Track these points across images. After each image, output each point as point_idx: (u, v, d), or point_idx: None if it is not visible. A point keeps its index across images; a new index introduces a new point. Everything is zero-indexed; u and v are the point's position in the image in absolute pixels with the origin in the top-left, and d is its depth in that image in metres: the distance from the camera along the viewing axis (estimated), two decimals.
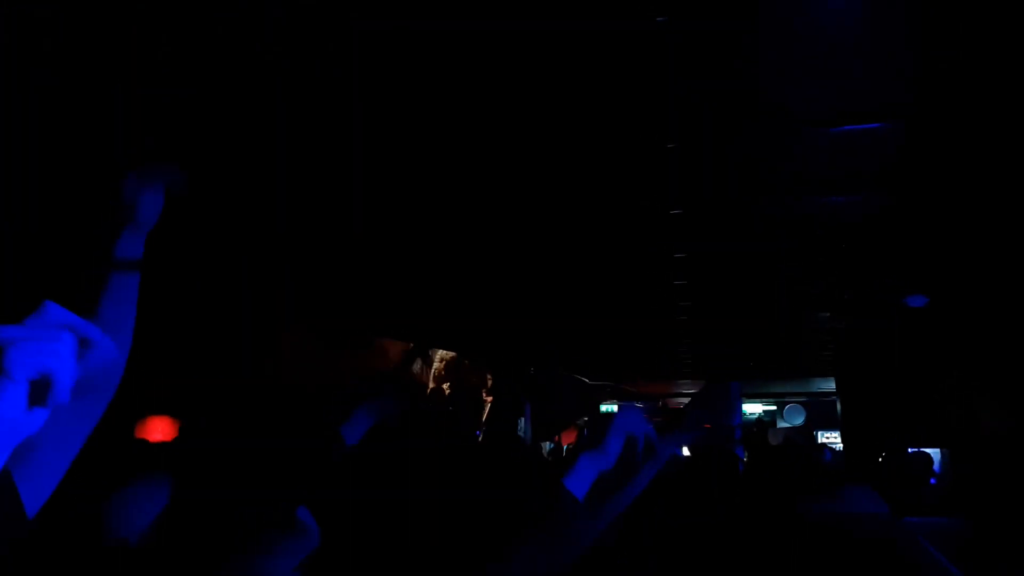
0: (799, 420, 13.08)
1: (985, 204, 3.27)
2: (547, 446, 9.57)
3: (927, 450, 6.53)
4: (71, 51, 1.97)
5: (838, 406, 7.63)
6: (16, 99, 2.10)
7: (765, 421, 11.25)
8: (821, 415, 11.86)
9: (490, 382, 6.57)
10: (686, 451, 3.62)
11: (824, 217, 3.53)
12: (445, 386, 6.89)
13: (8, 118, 2.18)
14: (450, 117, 2.45)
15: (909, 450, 6.54)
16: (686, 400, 14.60)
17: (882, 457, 6.48)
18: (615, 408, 14.04)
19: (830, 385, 9.76)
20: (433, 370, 6.76)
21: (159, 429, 4.63)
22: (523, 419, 8.17)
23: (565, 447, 11.23)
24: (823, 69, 2.09)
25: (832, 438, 10.41)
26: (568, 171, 2.83)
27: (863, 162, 2.89)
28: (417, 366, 6.67)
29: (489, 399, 6.92)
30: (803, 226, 3.69)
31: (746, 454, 5.99)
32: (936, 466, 6.56)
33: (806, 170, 3.01)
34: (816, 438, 10.70)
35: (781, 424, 12.12)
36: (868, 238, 3.80)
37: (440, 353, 6.84)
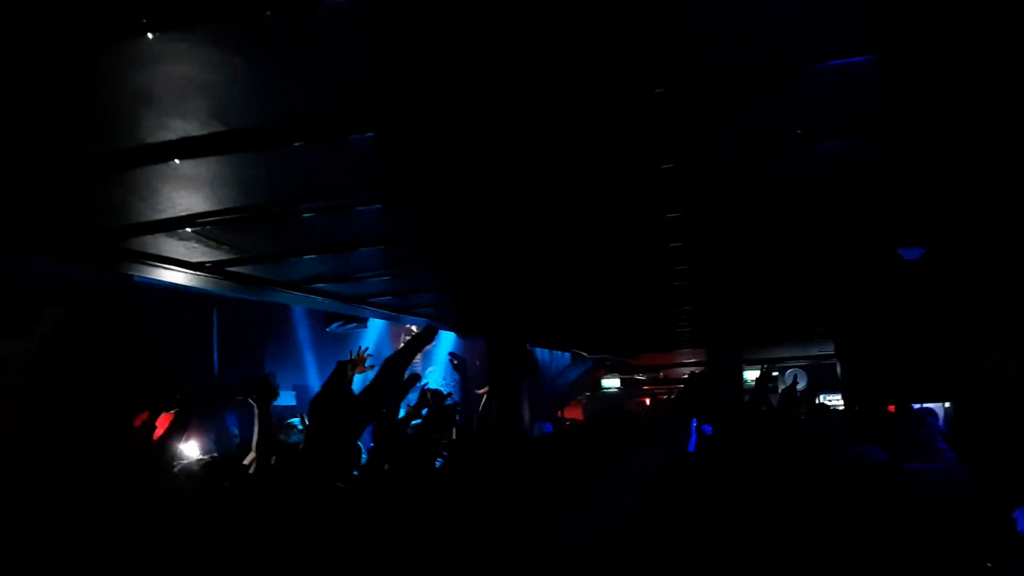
0: (801, 384, 13.06)
1: (979, 145, 3.16)
2: (545, 427, 9.46)
3: (932, 405, 6.46)
4: None
5: (838, 368, 7.53)
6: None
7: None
8: (821, 379, 11.80)
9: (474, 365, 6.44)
10: None
11: (811, 168, 3.40)
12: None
13: None
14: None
15: (914, 407, 6.46)
16: (686, 369, 14.55)
17: (885, 416, 6.42)
18: (617, 383, 13.96)
19: (828, 348, 9.70)
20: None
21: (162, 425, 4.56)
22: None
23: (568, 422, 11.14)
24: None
25: (833, 401, 10.35)
26: (548, 128, 2.70)
27: (844, 104, 2.75)
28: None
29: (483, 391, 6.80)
30: (792, 180, 3.57)
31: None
32: (941, 422, 6.49)
33: (788, 117, 2.88)
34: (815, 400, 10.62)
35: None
36: (857, 188, 3.68)
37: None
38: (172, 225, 3.17)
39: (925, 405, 6.39)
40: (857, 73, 2.46)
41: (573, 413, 12.57)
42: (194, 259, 3.69)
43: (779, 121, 2.87)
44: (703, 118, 2.82)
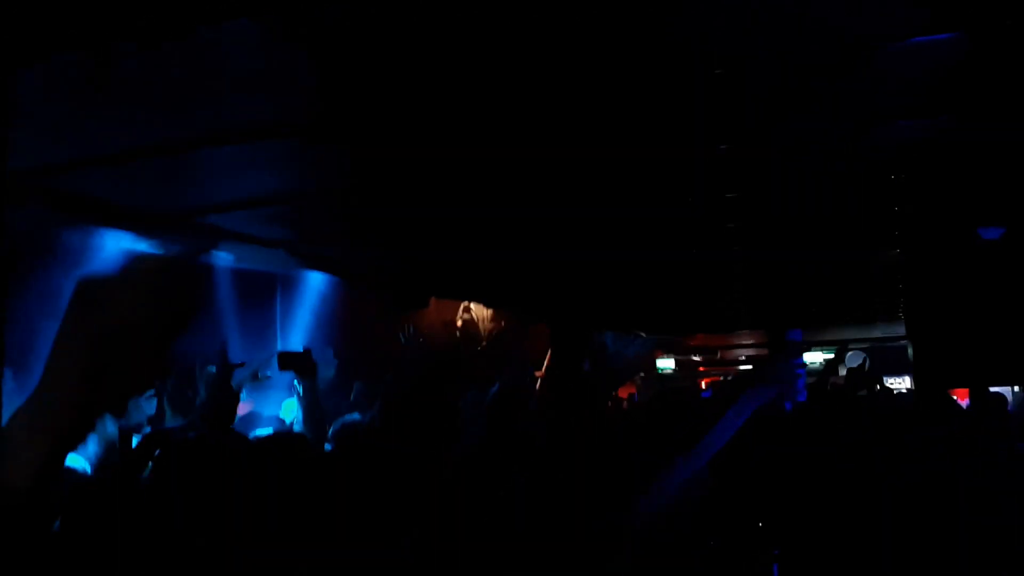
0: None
1: None
2: None
3: (1000, 389, 6.26)
4: None
5: (909, 350, 7.30)
6: None
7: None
8: (887, 361, 11.48)
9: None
10: None
11: (886, 144, 3.33)
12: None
13: None
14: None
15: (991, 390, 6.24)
16: (743, 351, 14.35)
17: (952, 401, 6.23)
18: (672, 364, 13.75)
19: (896, 330, 9.44)
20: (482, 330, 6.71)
21: None
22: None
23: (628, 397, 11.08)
24: None
25: (898, 383, 10.09)
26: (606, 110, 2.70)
27: (923, 80, 2.69)
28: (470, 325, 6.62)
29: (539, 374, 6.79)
30: (864, 155, 3.50)
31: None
32: (1011, 406, 6.29)
33: (863, 93, 2.82)
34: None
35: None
36: (935, 165, 3.59)
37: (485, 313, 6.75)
38: (243, 204, 3.26)
39: (996, 389, 6.19)
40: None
41: (632, 389, 12.52)
42: (265, 236, 3.80)
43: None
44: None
